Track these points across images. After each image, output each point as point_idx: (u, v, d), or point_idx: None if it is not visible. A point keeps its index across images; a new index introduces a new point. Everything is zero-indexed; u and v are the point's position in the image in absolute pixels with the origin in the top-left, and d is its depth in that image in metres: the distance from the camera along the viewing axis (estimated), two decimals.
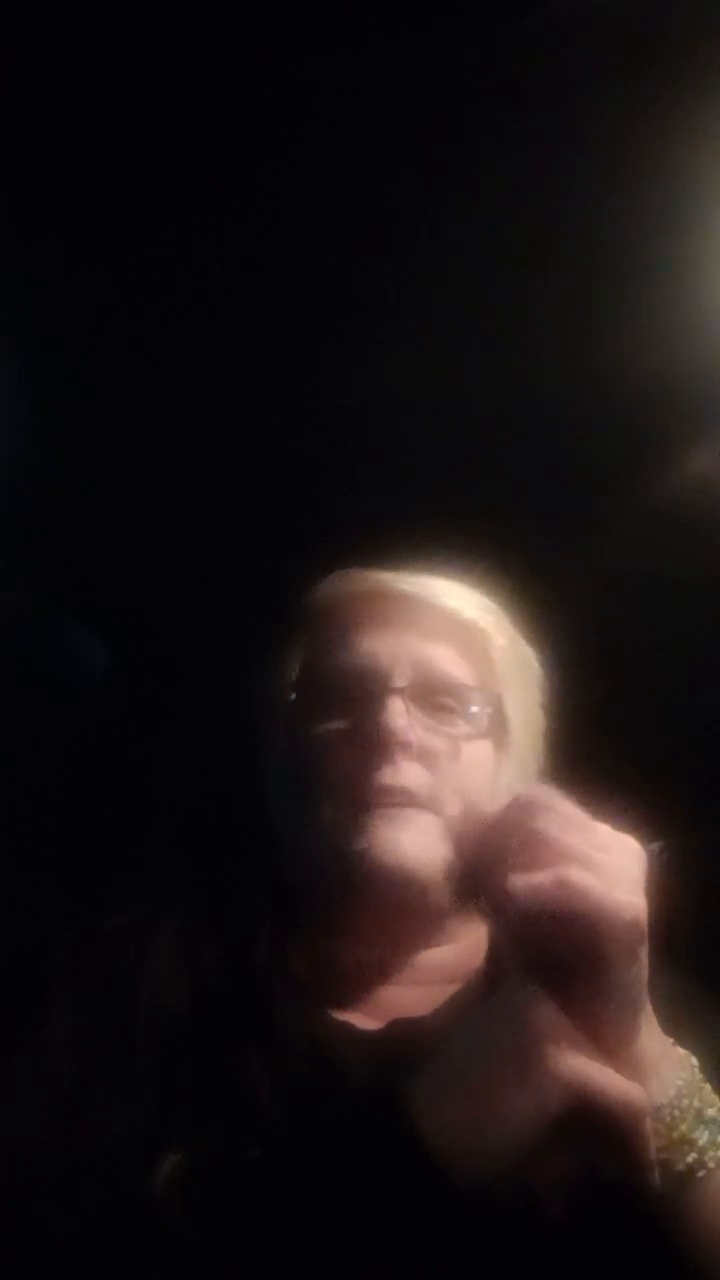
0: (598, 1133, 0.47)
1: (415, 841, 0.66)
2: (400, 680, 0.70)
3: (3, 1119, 0.62)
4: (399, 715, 0.68)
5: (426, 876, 0.66)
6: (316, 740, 0.71)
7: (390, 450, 1.02)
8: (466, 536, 0.76)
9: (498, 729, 0.73)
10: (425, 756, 0.69)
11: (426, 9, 0.70)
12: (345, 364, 0.95)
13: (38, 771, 1.20)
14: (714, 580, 1.05)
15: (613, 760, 1.07)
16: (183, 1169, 0.56)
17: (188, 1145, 0.57)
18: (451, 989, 0.68)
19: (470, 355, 0.92)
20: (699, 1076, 0.53)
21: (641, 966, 0.50)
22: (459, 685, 0.73)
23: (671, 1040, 0.54)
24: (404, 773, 0.67)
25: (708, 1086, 0.53)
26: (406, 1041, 0.64)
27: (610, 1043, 0.49)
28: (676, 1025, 0.55)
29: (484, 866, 0.53)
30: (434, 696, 0.72)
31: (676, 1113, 0.51)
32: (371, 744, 0.68)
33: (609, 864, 0.50)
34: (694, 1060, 0.54)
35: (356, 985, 0.70)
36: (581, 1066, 0.48)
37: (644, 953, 0.50)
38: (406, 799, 0.67)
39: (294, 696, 0.75)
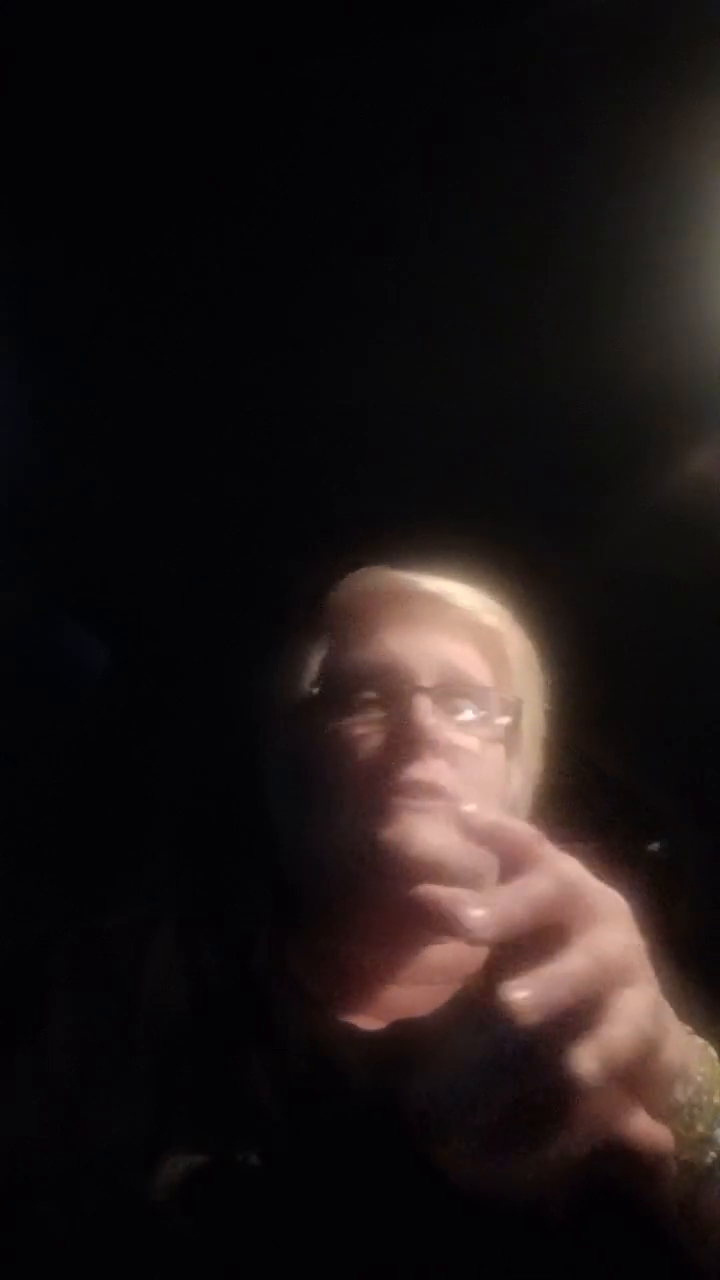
0: (621, 1172, 0.45)
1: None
2: (427, 679, 0.71)
3: (3, 1119, 0.62)
4: (428, 713, 0.68)
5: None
6: (339, 735, 0.71)
7: (390, 450, 1.02)
8: (467, 536, 0.76)
9: (512, 734, 0.74)
10: (450, 755, 0.69)
11: (426, 9, 0.70)
12: (345, 364, 0.95)
13: (38, 771, 1.20)
14: (714, 580, 1.05)
15: (613, 760, 1.08)
16: (183, 1169, 0.56)
17: (188, 1145, 0.57)
18: (452, 988, 0.68)
19: (470, 355, 0.92)
20: (718, 1069, 0.51)
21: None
22: (481, 688, 0.73)
23: (689, 1029, 0.52)
24: (430, 769, 0.67)
25: None
26: (407, 1042, 0.64)
27: (636, 1064, 0.46)
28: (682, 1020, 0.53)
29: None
30: (457, 698, 0.72)
31: (696, 1110, 0.49)
32: (400, 740, 0.68)
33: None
34: (714, 1053, 0.52)
35: (358, 985, 0.70)
36: (608, 1113, 0.45)
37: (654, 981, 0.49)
38: (432, 795, 0.67)
39: (315, 691, 0.75)
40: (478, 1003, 0.48)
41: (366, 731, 0.70)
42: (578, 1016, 0.43)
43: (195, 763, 1.20)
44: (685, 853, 1.18)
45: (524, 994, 0.42)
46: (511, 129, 0.75)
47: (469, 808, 0.49)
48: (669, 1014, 0.48)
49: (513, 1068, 0.45)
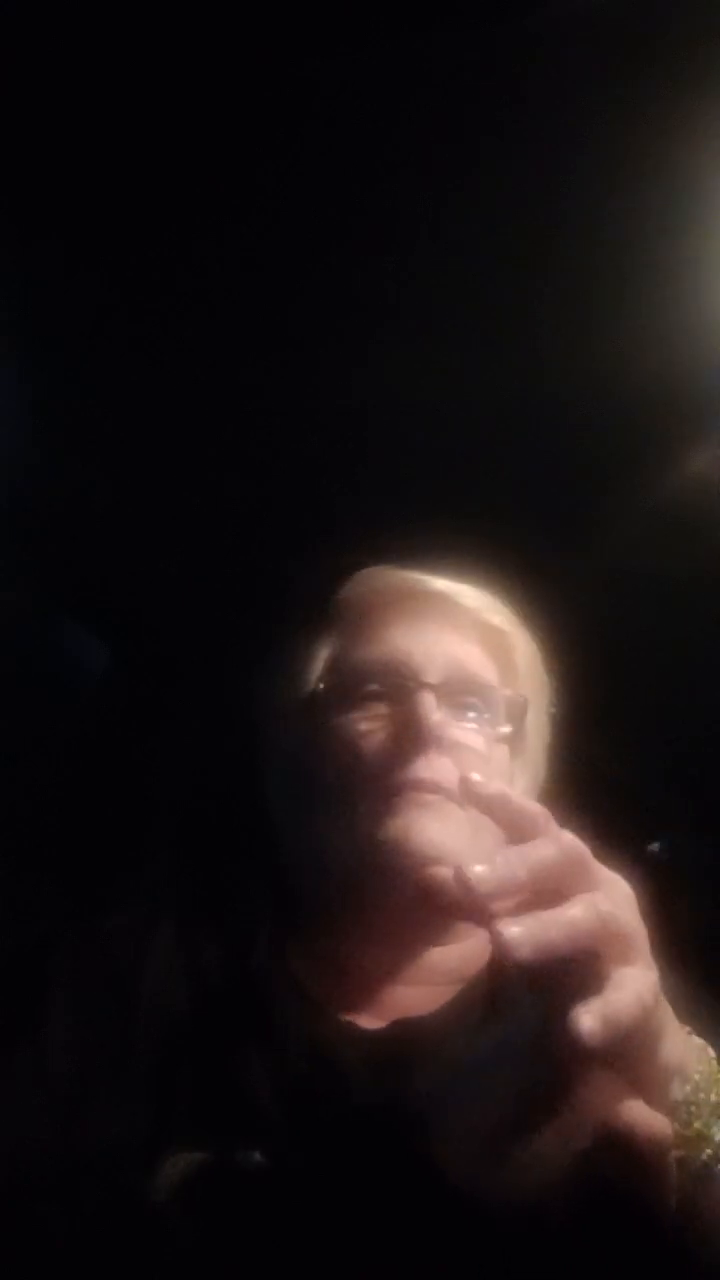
0: (621, 1166, 0.45)
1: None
2: (433, 677, 0.71)
3: (3, 1119, 0.62)
4: (433, 710, 0.68)
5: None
6: (345, 731, 0.71)
7: (390, 450, 1.02)
8: (467, 536, 0.76)
9: (517, 734, 0.74)
10: (456, 752, 0.69)
11: (426, 9, 0.70)
12: (345, 364, 0.95)
13: (38, 771, 1.20)
14: (714, 580, 1.05)
15: (613, 760, 1.08)
16: (183, 1169, 0.56)
17: (188, 1145, 0.57)
18: (454, 989, 0.68)
19: (470, 355, 0.92)
20: (716, 1068, 0.51)
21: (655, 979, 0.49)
22: (487, 686, 0.73)
23: (688, 1029, 0.52)
24: (436, 766, 0.67)
25: None
26: (408, 1041, 0.64)
27: (635, 1057, 0.47)
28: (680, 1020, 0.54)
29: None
30: (463, 696, 0.72)
31: (693, 1108, 0.49)
32: (405, 737, 0.68)
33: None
34: (712, 1052, 0.52)
35: (358, 984, 0.70)
36: (609, 1104, 0.45)
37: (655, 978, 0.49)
38: (437, 792, 0.67)
39: (321, 688, 0.75)
40: (480, 995, 0.48)
41: (371, 728, 0.70)
42: (577, 974, 0.43)
43: (195, 763, 1.20)
44: (685, 853, 1.18)
45: (518, 929, 0.42)
46: (511, 129, 0.75)
47: (475, 776, 0.49)
48: (668, 1011, 0.48)
49: (514, 1050, 0.46)
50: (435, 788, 0.67)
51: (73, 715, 1.27)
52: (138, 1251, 0.52)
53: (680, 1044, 0.50)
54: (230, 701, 0.95)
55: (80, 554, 1.19)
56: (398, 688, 0.71)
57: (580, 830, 0.48)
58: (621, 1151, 0.45)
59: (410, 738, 0.68)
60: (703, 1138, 0.49)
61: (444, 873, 0.44)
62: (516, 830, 0.47)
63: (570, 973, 0.43)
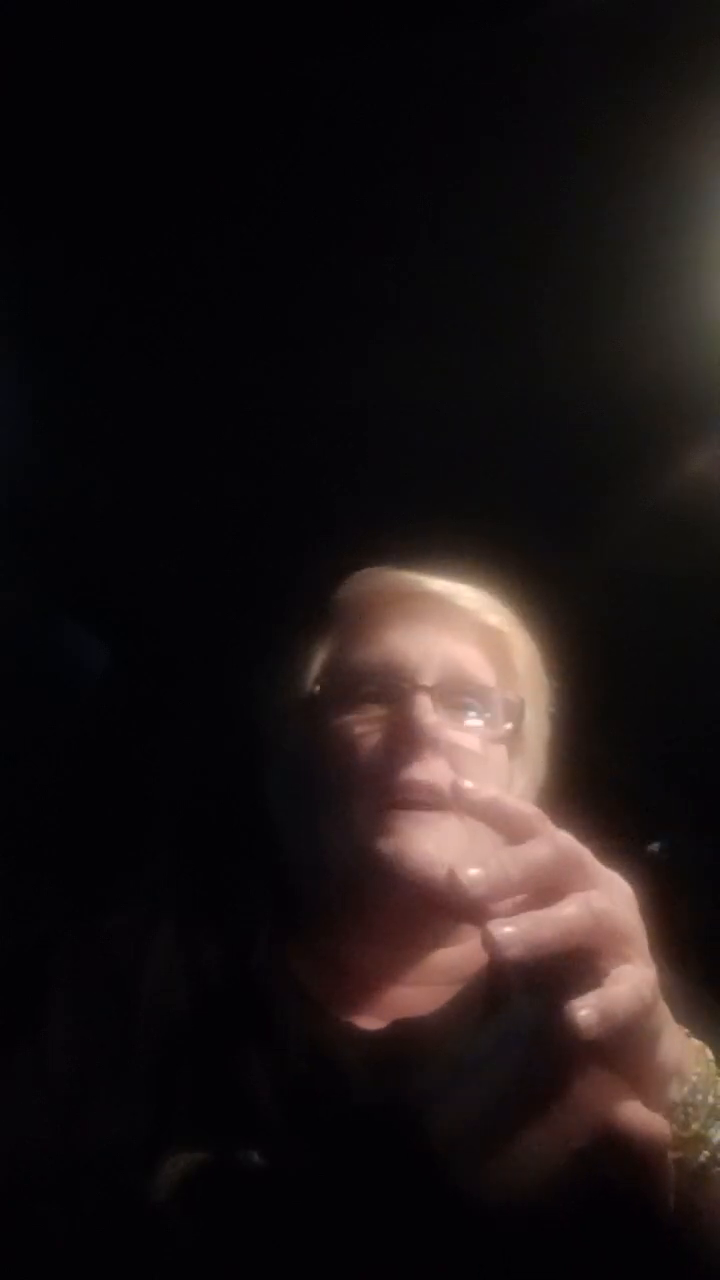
0: (619, 1165, 0.46)
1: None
2: (429, 678, 0.71)
3: (3, 1119, 0.62)
4: (428, 712, 0.68)
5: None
6: (341, 733, 0.71)
7: (390, 450, 1.02)
8: (467, 536, 0.76)
9: (515, 735, 0.74)
10: (452, 754, 0.69)
11: (426, 9, 0.70)
12: (345, 364, 0.95)
13: (38, 771, 1.20)
14: (714, 580, 1.05)
15: (613, 760, 1.08)
16: (183, 1169, 0.56)
17: (188, 1145, 0.57)
18: (454, 989, 0.68)
19: (470, 355, 0.92)
20: (714, 1070, 0.51)
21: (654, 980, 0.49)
22: (484, 687, 0.73)
23: (686, 1031, 0.52)
24: (431, 768, 0.67)
25: None
26: (408, 1042, 0.64)
27: (633, 1057, 0.47)
28: (678, 1022, 0.54)
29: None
30: (459, 697, 0.72)
31: (691, 1109, 0.49)
32: (400, 739, 0.68)
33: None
34: (709, 1053, 0.52)
35: (358, 984, 0.70)
36: (607, 1103, 0.45)
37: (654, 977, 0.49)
38: (432, 796, 0.67)
39: (317, 689, 0.75)
40: (480, 995, 0.48)
41: (367, 730, 0.70)
42: (574, 972, 0.43)
43: (195, 763, 1.20)
44: (685, 853, 1.18)
45: (509, 928, 0.42)
46: (511, 129, 0.75)
47: (467, 784, 0.49)
48: (666, 1012, 0.49)
49: (513, 1050, 0.46)
50: (431, 789, 0.67)
51: (73, 715, 1.27)
52: (138, 1251, 0.52)
53: (678, 1045, 0.50)
54: (230, 701, 0.95)
55: (80, 554, 1.19)
56: (394, 689, 0.71)
57: (580, 830, 0.48)
58: (620, 1152, 0.45)
59: (405, 741, 0.68)
60: (700, 1139, 0.49)
61: (441, 874, 0.44)
62: (512, 833, 0.47)
63: (568, 970, 0.43)
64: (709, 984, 0.67)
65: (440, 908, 0.45)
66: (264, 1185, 0.54)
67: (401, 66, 0.72)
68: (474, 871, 0.44)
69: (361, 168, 0.79)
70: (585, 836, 0.48)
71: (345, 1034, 0.66)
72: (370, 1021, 0.67)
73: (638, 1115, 0.46)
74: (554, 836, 0.46)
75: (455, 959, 0.70)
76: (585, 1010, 0.42)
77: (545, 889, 0.45)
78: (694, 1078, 0.50)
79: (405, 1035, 0.65)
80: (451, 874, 0.44)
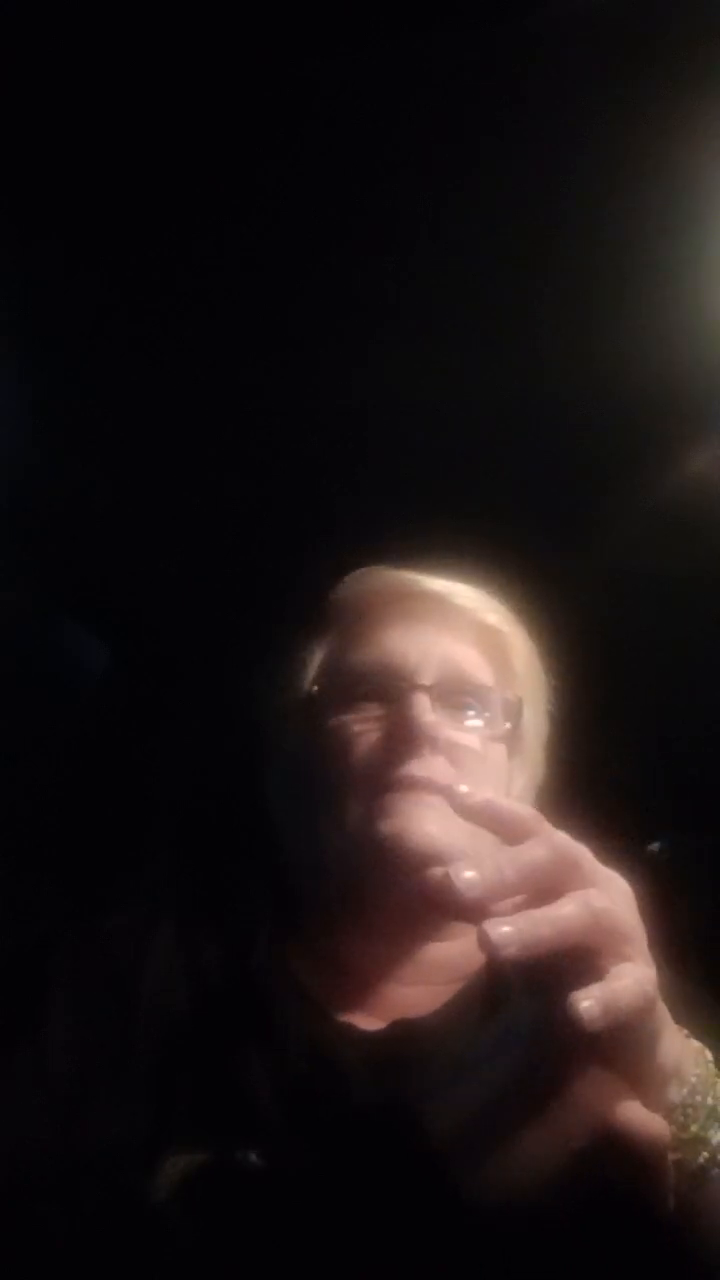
0: (618, 1165, 0.45)
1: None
2: (427, 677, 0.71)
3: (3, 1119, 0.62)
4: (427, 710, 0.68)
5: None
6: (340, 732, 0.71)
7: (390, 450, 1.02)
8: (467, 536, 0.76)
9: (514, 734, 0.74)
10: (450, 752, 0.69)
11: (426, 9, 0.70)
12: (345, 364, 0.95)
13: (38, 771, 1.20)
14: (714, 580, 1.05)
15: (613, 760, 1.08)
16: (183, 1169, 0.56)
17: (188, 1145, 0.57)
18: (453, 988, 0.68)
19: (470, 355, 0.92)
20: (713, 1071, 0.51)
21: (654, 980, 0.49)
22: (482, 687, 0.73)
23: (686, 1033, 0.52)
24: (430, 766, 0.67)
25: None
26: (407, 1042, 0.64)
27: (633, 1057, 0.47)
28: (678, 1023, 0.54)
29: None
30: (458, 696, 0.72)
31: (690, 1110, 0.49)
32: (398, 737, 0.68)
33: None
34: (709, 1055, 0.52)
35: (358, 984, 0.70)
36: (606, 1103, 0.45)
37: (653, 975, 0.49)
38: (433, 792, 0.67)
39: (315, 689, 0.75)
40: (479, 995, 0.48)
41: (366, 729, 0.70)
42: (574, 970, 0.43)
43: (195, 763, 1.20)
44: (685, 853, 1.18)
45: (505, 928, 0.42)
46: (511, 129, 0.75)
47: (461, 788, 0.49)
48: (665, 1013, 0.49)
49: (513, 1050, 0.46)
50: (430, 787, 0.67)
51: (73, 715, 1.27)
52: (138, 1251, 0.52)
53: (677, 1046, 0.50)
54: (230, 701, 0.95)
55: (80, 554, 1.19)
56: (392, 689, 0.71)
57: (580, 830, 0.48)
58: (619, 1152, 0.45)
59: (403, 739, 0.68)
60: (699, 1140, 0.49)
61: (440, 874, 0.44)
62: (508, 835, 0.47)
63: (567, 969, 0.43)
64: (709, 984, 0.67)
65: (439, 906, 0.44)
66: (264, 1185, 0.54)
67: (401, 66, 0.72)
68: (469, 874, 0.44)
69: (361, 168, 0.79)
70: (585, 836, 0.48)
71: (345, 1034, 0.66)
72: (370, 1021, 0.67)
73: (637, 1115, 0.46)
74: (550, 837, 0.46)
75: (455, 958, 0.70)
76: (588, 1003, 0.42)
77: (543, 889, 0.45)
78: (693, 1079, 0.50)
79: (405, 1035, 0.65)
80: (446, 877, 0.43)
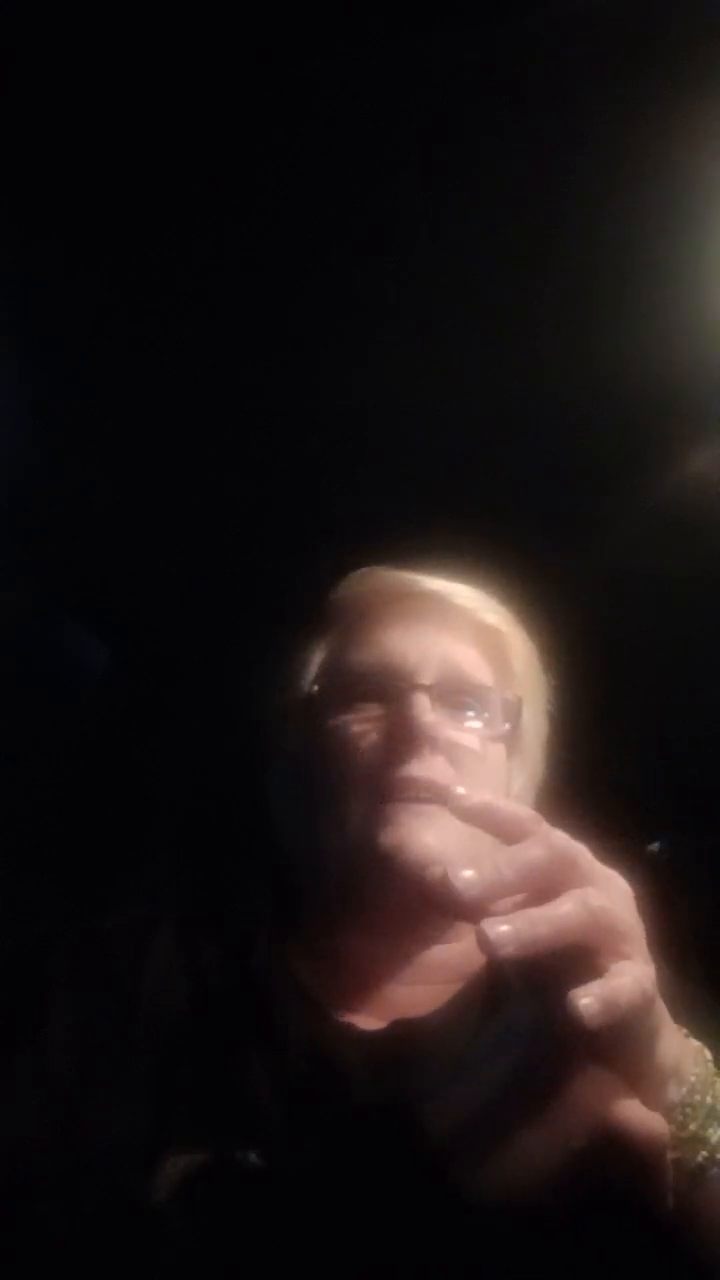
0: (618, 1164, 0.45)
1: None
2: (426, 677, 0.71)
3: (3, 1119, 0.62)
4: (426, 710, 0.68)
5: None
6: (339, 733, 0.71)
7: (390, 450, 1.02)
8: (467, 536, 0.76)
9: (513, 734, 0.74)
10: (450, 752, 0.69)
11: (426, 9, 0.70)
12: (345, 364, 0.95)
13: (38, 771, 1.20)
14: (714, 580, 1.05)
15: (613, 760, 1.08)
16: (183, 1169, 0.56)
17: (188, 1145, 0.57)
18: (453, 988, 0.68)
19: (470, 355, 0.92)
20: (712, 1070, 0.51)
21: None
22: (481, 686, 0.73)
23: (685, 1032, 0.52)
24: (430, 766, 0.67)
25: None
26: (407, 1042, 0.64)
27: (632, 1056, 0.47)
28: (677, 1023, 0.54)
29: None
30: (457, 696, 0.72)
31: (689, 1110, 0.49)
32: (398, 737, 0.68)
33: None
34: (708, 1054, 0.52)
35: (358, 984, 0.70)
36: (605, 1102, 0.45)
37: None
38: (431, 792, 0.67)
39: (315, 689, 0.75)
40: (479, 995, 0.48)
41: (366, 729, 0.70)
42: (571, 966, 0.44)
43: (195, 763, 1.20)
44: (685, 853, 1.18)
45: (503, 927, 0.42)
46: (511, 129, 0.75)
47: (459, 790, 0.49)
48: (664, 1012, 0.49)
49: (513, 1049, 0.46)
50: (430, 787, 0.67)
51: (73, 715, 1.28)
52: (138, 1252, 0.52)
53: (676, 1045, 0.50)
54: (230, 701, 0.95)
55: (80, 554, 1.19)
56: (392, 688, 0.71)
57: (580, 830, 0.48)
58: (619, 1151, 0.45)
59: (403, 739, 0.68)
60: (698, 1140, 0.49)
61: (439, 873, 0.44)
62: (506, 835, 0.47)
63: (566, 968, 0.43)
64: (708, 984, 0.67)
65: (439, 905, 0.45)
66: (264, 1185, 0.54)
67: (401, 66, 0.72)
68: (468, 874, 0.44)
69: (361, 168, 0.79)
70: (585, 836, 0.48)
71: (345, 1034, 0.66)
72: (370, 1021, 0.67)
73: (637, 1114, 0.46)
74: (548, 836, 0.46)
75: (454, 958, 0.70)
76: (587, 1000, 0.42)
77: (542, 889, 0.45)
78: (692, 1078, 0.50)
79: (405, 1035, 0.65)
80: (445, 877, 0.44)
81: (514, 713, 0.74)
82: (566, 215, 0.81)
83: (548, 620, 0.81)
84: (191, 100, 0.75)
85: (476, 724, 0.72)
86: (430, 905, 0.45)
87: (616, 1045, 0.46)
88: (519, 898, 0.45)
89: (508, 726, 0.73)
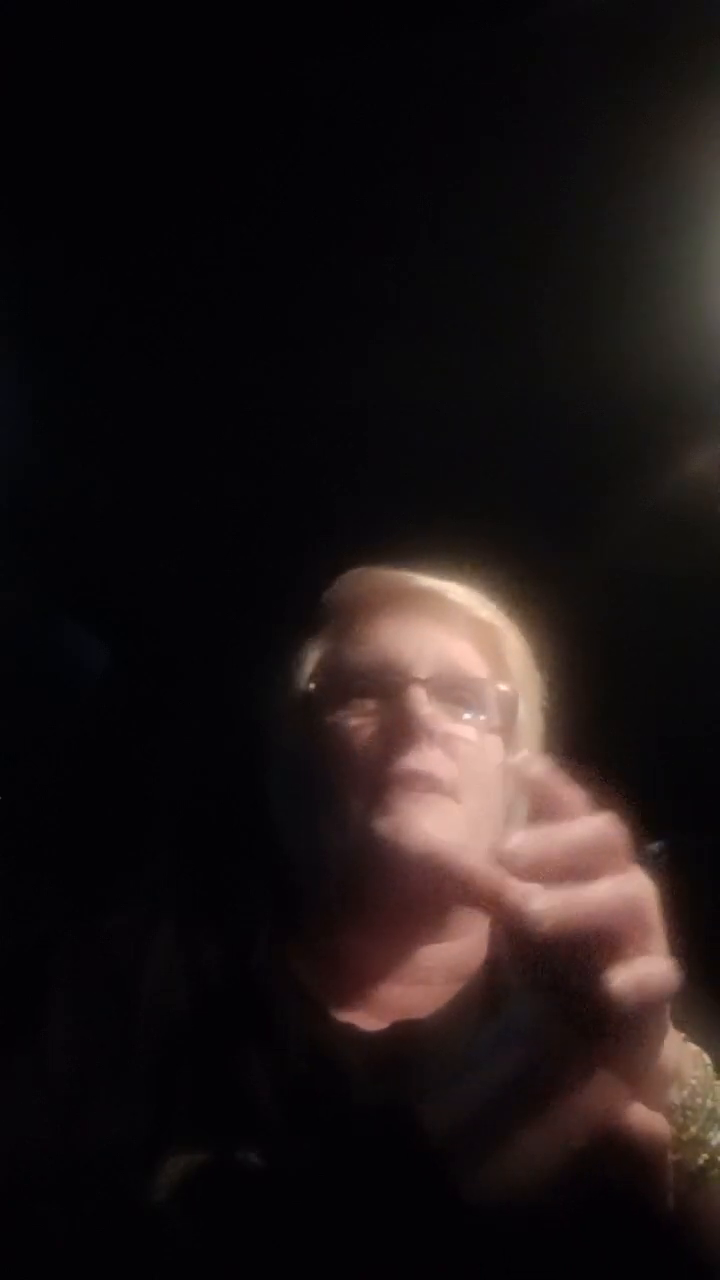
0: (619, 1165, 0.45)
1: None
2: (422, 672, 0.71)
3: (3, 1119, 0.62)
4: (423, 703, 0.68)
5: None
6: (337, 729, 0.71)
7: (390, 450, 1.02)
8: (466, 536, 0.76)
9: (509, 727, 0.74)
10: (448, 745, 0.69)
11: (426, 9, 0.70)
12: (345, 364, 0.95)
13: (38, 771, 1.20)
14: (714, 580, 1.05)
15: (613, 760, 1.08)
16: (183, 1169, 0.56)
17: (188, 1145, 0.57)
18: (453, 988, 0.68)
19: (470, 355, 0.92)
20: (712, 1074, 0.51)
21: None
22: (477, 681, 0.73)
23: (683, 1036, 0.52)
24: (428, 759, 0.67)
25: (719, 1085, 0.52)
26: (407, 1042, 0.64)
27: (637, 1056, 0.47)
28: (676, 1027, 0.54)
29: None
30: (454, 690, 0.72)
31: (689, 1113, 0.49)
32: (397, 731, 0.68)
33: None
34: (707, 1058, 0.52)
35: (358, 984, 0.70)
36: (607, 1103, 0.45)
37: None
38: (430, 785, 0.67)
39: (312, 687, 0.75)
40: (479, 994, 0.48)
41: (363, 725, 0.70)
42: (596, 949, 0.43)
43: (195, 763, 1.20)
44: (685, 853, 1.18)
45: (543, 903, 0.41)
46: (511, 129, 0.75)
47: (524, 753, 0.48)
48: (667, 1015, 0.49)
49: (513, 1049, 0.46)
50: (429, 780, 0.67)
51: (73, 715, 1.28)
52: (138, 1252, 0.52)
53: (676, 1048, 0.50)
54: (230, 701, 0.95)
55: (80, 554, 1.19)
56: (389, 684, 0.71)
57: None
58: (619, 1152, 0.45)
59: (401, 733, 0.68)
60: (698, 1142, 0.49)
61: (452, 851, 0.44)
62: (557, 810, 0.46)
63: (590, 954, 0.43)
64: (709, 984, 0.67)
65: (451, 888, 0.44)
66: (264, 1185, 0.54)
67: (401, 66, 0.72)
68: (515, 842, 0.43)
69: (361, 168, 0.79)
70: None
71: (345, 1034, 0.66)
72: (370, 1021, 0.67)
73: (638, 1115, 0.45)
74: (597, 819, 0.46)
75: (454, 958, 0.70)
76: (622, 979, 0.42)
77: (580, 870, 0.44)
78: (693, 1081, 0.50)
79: (405, 1035, 0.65)
80: (493, 847, 0.43)
81: (510, 707, 0.74)
82: (566, 215, 0.81)
83: (548, 620, 0.81)
84: (192, 100, 0.75)
85: (474, 718, 0.72)
86: (443, 888, 0.44)
87: (628, 1042, 0.46)
88: (531, 886, 0.44)
89: (504, 720, 0.73)
